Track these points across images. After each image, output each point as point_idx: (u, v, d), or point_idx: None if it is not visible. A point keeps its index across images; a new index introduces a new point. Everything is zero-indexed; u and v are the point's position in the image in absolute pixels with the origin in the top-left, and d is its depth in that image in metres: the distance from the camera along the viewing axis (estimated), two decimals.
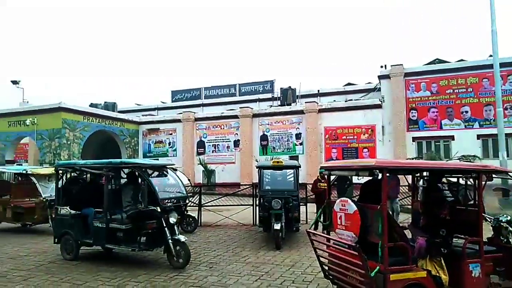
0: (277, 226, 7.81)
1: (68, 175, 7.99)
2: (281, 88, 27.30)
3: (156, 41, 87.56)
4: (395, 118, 21.16)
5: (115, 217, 6.86)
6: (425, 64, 22.96)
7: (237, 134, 24.93)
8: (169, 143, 26.90)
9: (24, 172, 10.25)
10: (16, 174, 11.75)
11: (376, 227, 4.00)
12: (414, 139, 21.08)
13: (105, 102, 28.93)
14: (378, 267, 3.90)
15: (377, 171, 3.96)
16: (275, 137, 24.02)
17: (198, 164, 24.94)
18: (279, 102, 27.26)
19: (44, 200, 9.55)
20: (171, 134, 26.90)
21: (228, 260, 7.05)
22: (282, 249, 7.81)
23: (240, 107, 25.53)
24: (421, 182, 5.70)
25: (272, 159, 11.60)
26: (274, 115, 24.14)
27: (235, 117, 24.98)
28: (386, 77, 21.89)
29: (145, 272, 6.25)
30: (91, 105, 27.95)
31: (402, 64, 21.64)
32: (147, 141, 27.55)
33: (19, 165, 21.28)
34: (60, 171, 7.67)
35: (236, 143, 24.86)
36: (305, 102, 23.99)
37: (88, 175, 8.31)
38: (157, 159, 24.92)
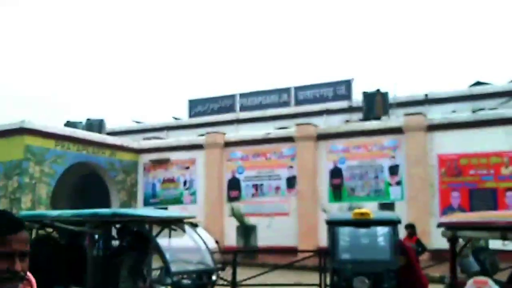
0: None
1: (33, 233, 8.32)
2: (363, 93, 27.10)
3: (165, 34, 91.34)
4: None
5: None
6: None
7: (292, 167, 24.80)
8: (185, 183, 27.32)
9: None
10: None
11: None
12: None
13: (87, 120, 30.29)
14: None
15: None
16: (354, 172, 23.63)
17: (230, 215, 25.00)
18: (360, 115, 27.01)
19: None
20: (187, 168, 27.35)
21: None
22: None
23: (296, 124, 25.56)
24: None
25: (350, 209, 11.31)
26: (353, 136, 23.84)
27: (289, 139, 24.98)
28: None
29: None
30: (68, 124, 29.34)
31: None
32: (151, 179, 28.19)
33: None
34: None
35: (291, 182, 24.70)
36: (405, 115, 23.56)
37: (62, 234, 8.59)
38: (166, 208, 25.39)
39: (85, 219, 7.40)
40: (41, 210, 20.51)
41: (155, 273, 9.22)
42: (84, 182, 28.54)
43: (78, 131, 26.50)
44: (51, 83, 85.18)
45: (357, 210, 9.12)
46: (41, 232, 8.31)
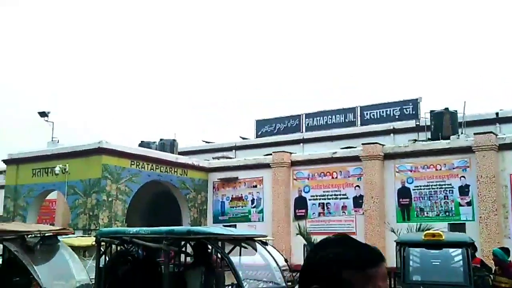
0: None
1: (110, 249, 8.64)
2: (431, 112, 26.54)
3: (233, 56, 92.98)
4: None
5: None
6: None
7: (358, 186, 24.55)
8: (252, 201, 27.54)
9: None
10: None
11: None
12: None
13: (160, 140, 31.17)
14: None
15: None
16: (423, 192, 23.08)
17: (297, 234, 24.94)
18: (428, 134, 26.43)
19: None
20: (255, 186, 27.58)
21: None
22: None
23: (363, 143, 25.31)
24: None
25: (420, 229, 11.03)
26: (421, 156, 23.34)
27: (356, 159, 24.75)
28: None
29: None
30: (142, 144, 30.32)
31: None
32: (220, 197, 28.60)
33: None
34: (103, 243, 8.35)
35: (358, 202, 24.42)
36: (475, 134, 22.87)
37: (140, 250, 8.88)
38: (235, 226, 25.66)
39: (161, 236, 7.62)
40: (117, 227, 21.22)
41: None
42: (157, 200, 29.31)
43: (152, 151, 27.34)
44: (126, 104, 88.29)
45: (427, 232, 8.90)
46: (120, 248, 8.61)
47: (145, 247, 8.22)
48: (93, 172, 24.13)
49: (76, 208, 24.46)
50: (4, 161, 27.97)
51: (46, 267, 6.07)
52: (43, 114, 33.08)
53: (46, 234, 6.27)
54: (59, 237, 6.61)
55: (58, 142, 30.86)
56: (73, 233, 7.41)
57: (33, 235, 6.19)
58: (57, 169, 24.83)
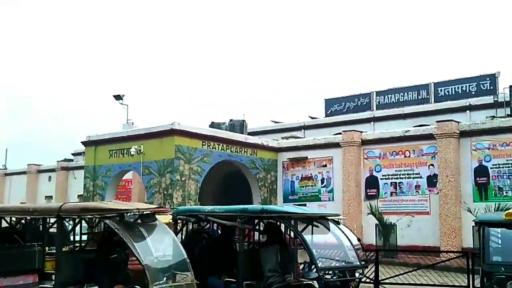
0: None
1: (186, 227, 8.88)
2: (510, 87, 25.45)
3: (299, 35, 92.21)
4: None
5: None
6: None
7: (432, 165, 23.90)
8: (322, 180, 27.45)
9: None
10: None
11: None
12: None
13: (230, 121, 31.52)
14: None
15: None
16: (502, 171, 22.15)
17: (368, 213, 24.69)
18: (507, 110, 25.32)
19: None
20: (325, 166, 27.46)
21: None
22: None
23: (437, 121, 24.59)
24: None
25: (499, 209, 10.64)
26: (500, 133, 22.35)
27: (429, 137, 24.07)
28: None
29: None
30: (212, 125, 30.81)
31: None
32: (290, 176, 28.70)
33: None
34: (179, 221, 8.61)
35: (432, 181, 23.81)
36: None
37: (215, 228, 9.11)
38: (305, 205, 25.72)
39: (236, 215, 7.76)
40: (190, 206, 21.74)
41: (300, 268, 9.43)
42: (228, 180, 29.80)
43: (222, 132, 27.69)
44: (196, 86, 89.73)
45: (509, 211, 8.53)
46: (195, 226, 8.86)
47: (220, 225, 8.42)
48: (166, 153, 24.79)
49: (151, 187, 25.28)
50: (83, 143, 29.24)
51: (145, 244, 6.30)
52: (118, 97, 34.26)
53: (144, 212, 6.48)
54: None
55: (133, 124, 31.92)
56: (169, 212, 7.65)
57: (132, 213, 6.42)
58: (132, 150, 25.68)
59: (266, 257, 7.63)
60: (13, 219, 9.01)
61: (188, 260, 6.44)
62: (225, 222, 8.02)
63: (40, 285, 6.89)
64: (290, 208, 8.27)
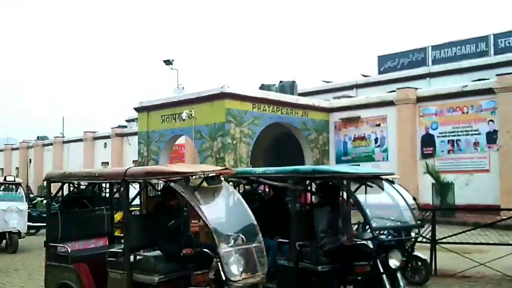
0: None
1: (238, 188, 8.88)
2: None
3: None
4: None
5: (307, 253, 7.27)
6: None
7: (492, 121, 23.07)
8: (376, 140, 27.03)
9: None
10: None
11: None
12: None
13: (280, 82, 31.25)
14: None
15: None
16: None
17: (424, 173, 24.18)
18: None
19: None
20: (378, 125, 26.98)
21: None
22: None
23: (497, 74, 23.60)
24: None
25: None
26: None
27: (489, 91, 23.16)
28: None
29: None
30: (262, 87, 30.66)
31: None
32: (342, 137, 28.37)
33: None
34: (231, 183, 8.61)
35: (491, 137, 23.03)
36: None
37: (266, 190, 9.08)
38: (358, 165, 25.44)
39: (287, 176, 7.69)
40: (243, 168, 21.90)
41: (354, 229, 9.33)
42: (279, 142, 29.80)
43: (272, 94, 27.54)
44: (245, 48, 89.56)
45: None
46: (247, 188, 8.87)
47: (272, 186, 8.39)
48: (217, 117, 24.94)
49: (204, 151, 25.58)
50: (136, 109, 29.78)
51: (211, 207, 6.29)
52: (168, 62, 34.63)
53: (210, 175, 6.43)
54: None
55: (183, 89, 32.26)
56: (235, 172, 7.59)
57: (197, 176, 6.38)
58: (184, 115, 25.98)
59: (318, 218, 7.57)
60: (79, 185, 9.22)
61: (256, 223, 6.40)
62: (276, 183, 7.97)
63: (110, 249, 7.04)
64: (342, 168, 8.16)
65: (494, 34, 29.98)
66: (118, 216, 8.97)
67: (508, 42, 29.33)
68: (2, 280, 10.29)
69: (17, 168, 49.73)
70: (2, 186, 14.77)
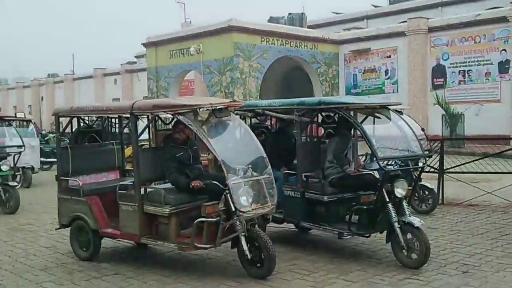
0: None
1: (245, 121, 8.86)
2: None
3: None
4: None
5: (314, 183, 7.32)
6: None
7: (505, 50, 22.65)
8: (386, 72, 26.72)
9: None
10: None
11: None
12: None
13: (289, 14, 30.60)
14: None
15: None
16: None
17: (435, 104, 24.02)
18: None
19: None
20: (389, 57, 26.59)
21: (495, 263, 6.63)
22: None
23: (511, 2, 22.91)
24: None
25: None
26: None
27: (503, 20, 22.59)
28: None
29: (359, 268, 6.53)
30: (271, 19, 30.08)
31: None
32: (352, 70, 28.05)
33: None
34: (238, 116, 8.58)
35: (504, 67, 22.68)
36: None
37: (274, 122, 9.05)
38: (368, 97, 25.31)
39: (293, 108, 7.63)
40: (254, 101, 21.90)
41: (361, 159, 9.37)
42: (289, 75, 29.57)
43: (281, 26, 27.11)
44: None
45: None
46: (254, 121, 8.83)
47: (277, 118, 8.35)
48: (225, 51, 24.71)
49: (213, 86, 25.51)
50: (144, 44, 29.50)
51: (220, 140, 6.28)
52: None
53: (218, 107, 6.36)
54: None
55: (190, 23, 31.75)
56: (243, 104, 7.54)
57: (205, 108, 6.32)
58: (192, 49, 25.77)
59: (323, 148, 7.58)
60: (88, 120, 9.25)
61: (265, 156, 6.40)
62: (282, 115, 7.93)
63: (121, 182, 7.13)
64: (348, 98, 8.06)
65: None
66: (128, 151, 9.03)
67: None
68: (16, 214, 10.55)
69: (29, 105, 50.05)
70: (14, 123, 14.81)
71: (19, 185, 10.86)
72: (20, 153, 11.03)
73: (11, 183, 10.60)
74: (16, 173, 11.06)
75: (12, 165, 10.81)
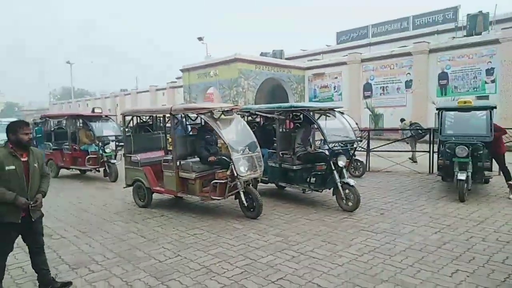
0: (461, 176, 6.75)
1: (243, 119, 8.76)
2: (467, 15, 22.79)
3: None
4: None
5: (287, 158, 7.25)
6: None
7: (409, 74, 22.53)
8: (334, 87, 26.55)
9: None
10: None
11: None
12: None
13: (273, 51, 30.32)
14: None
15: None
16: (457, 75, 20.57)
17: (365, 108, 23.94)
18: (464, 33, 22.94)
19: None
20: (336, 78, 26.41)
21: (401, 208, 6.62)
22: (467, 202, 6.82)
23: (414, 42, 22.72)
24: None
25: (455, 100, 9.91)
26: (458, 49, 20.49)
27: (407, 54, 22.42)
28: None
29: (315, 211, 6.50)
30: (261, 54, 29.77)
31: None
32: (313, 86, 27.86)
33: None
34: (239, 115, 8.49)
35: (408, 84, 22.57)
36: (502, 29, 19.35)
37: (262, 119, 8.94)
38: (322, 104, 25.16)
39: (274, 109, 7.56)
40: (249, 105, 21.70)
41: (317, 143, 9.28)
42: (273, 90, 29.36)
43: (268, 58, 26.86)
44: (253, 29, 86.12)
45: (460, 100, 7.85)
46: (249, 118, 8.73)
47: (264, 116, 8.25)
48: (233, 74, 24.45)
49: (225, 97, 25.28)
50: (181, 70, 29.14)
51: (228, 131, 6.22)
52: (200, 39, 33.35)
53: (226, 109, 6.31)
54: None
55: (210, 56, 31.30)
56: (240, 108, 7.54)
57: (217, 110, 6.28)
58: (211, 73, 25.47)
59: (295, 136, 7.49)
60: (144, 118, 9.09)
61: (256, 140, 6.35)
62: (267, 114, 7.84)
63: (165, 157, 7.04)
64: (309, 104, 7.94)
65: (413, 16, 28.61)
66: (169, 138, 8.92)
67: (421, 21, 27.99)
68: (93, 181, 10.29)
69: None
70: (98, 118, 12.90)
71: (118, 162, 10.17)
72: (118, 140, 10.34)
73: (112, 161, 10.20)
74: (116, 154, 10.45)
75: (113, 148, 10.39)
